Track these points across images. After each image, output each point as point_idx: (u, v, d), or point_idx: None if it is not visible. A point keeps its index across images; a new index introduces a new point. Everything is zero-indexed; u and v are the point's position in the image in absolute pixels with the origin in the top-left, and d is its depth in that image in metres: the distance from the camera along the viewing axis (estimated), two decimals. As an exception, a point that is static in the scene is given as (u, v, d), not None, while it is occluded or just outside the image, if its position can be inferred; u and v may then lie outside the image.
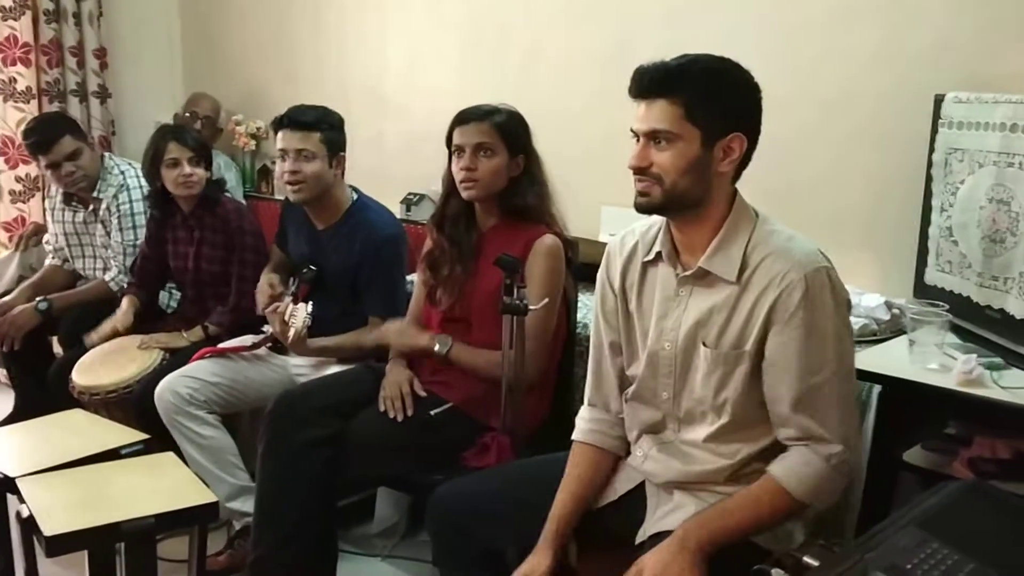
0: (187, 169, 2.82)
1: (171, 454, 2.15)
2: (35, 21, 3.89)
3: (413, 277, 2.60)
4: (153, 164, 2.85)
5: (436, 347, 2.23)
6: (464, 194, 2.22)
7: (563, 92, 2.98)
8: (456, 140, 2.21)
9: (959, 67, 2.13)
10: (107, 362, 2.78)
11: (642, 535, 1.60)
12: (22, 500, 1.85)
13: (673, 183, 1.48)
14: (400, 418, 2.16)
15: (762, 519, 1.47)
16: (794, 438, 1.48)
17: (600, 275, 1.72)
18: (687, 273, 1.55)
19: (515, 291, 1.93)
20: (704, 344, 1.53)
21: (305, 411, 2.21)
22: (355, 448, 2.18)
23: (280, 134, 2.52)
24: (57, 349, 3.31)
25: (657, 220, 1.62)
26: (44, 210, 3.61)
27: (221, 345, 2.69)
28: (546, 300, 2.05)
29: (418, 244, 2.48)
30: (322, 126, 2.50)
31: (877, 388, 1.88)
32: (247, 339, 2.71)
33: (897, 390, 1.82)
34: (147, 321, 2.99)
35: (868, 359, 1.90)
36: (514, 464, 1.99)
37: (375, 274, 2.53)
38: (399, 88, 3.57)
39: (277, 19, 4.01)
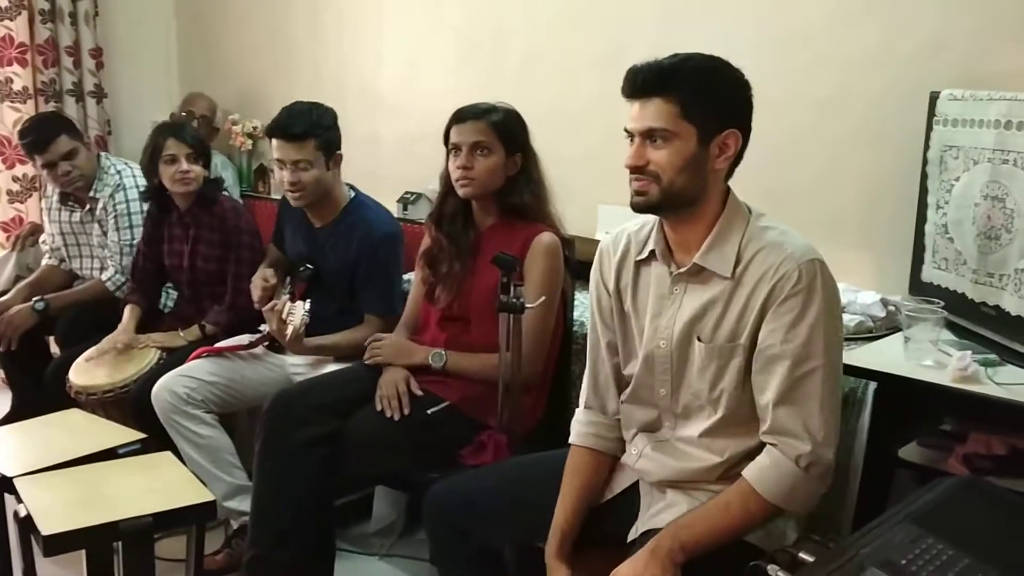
0: (184, 165, 2.82)
1: (168, 453, 2.15)
2: (31, 21, 3.89)
3: (410, 276, 2.60)
4: (151, 160, 2.85)
5: (431, 363, 2.24)
6: (460, 192, 2.22)
7: (561, 93, 2.98)
8: (453, 138, 2.22)
9: (954, 66, 2.13)
10: (104, 362, 2.78)
11: (634, 533, 1.60)
12: (20, 500, 1.85)
13: (670, 181, 1.48)
14: (397, 417, 2.16)
15: (732, 523, 1.46)
16: (768, 432, 1.48)
17: (593, 276, 1.72)
18: (681, 270, 1.56)
19: (512, 289, 1.93)
20: (699, 339, 1.54)
21: (302, 410, 2.21)
22: (352, 447, 2.18)
23: (274, 143, 2.51)
24: (54, 349, 3.31)
25: (649, 219, 1.63)
26: (41, 210, 3.61)
27: (218, 344, 2.69)
28: (543, 298, 2.06)
29: (415, 243, 2.48)
30: (316, 132, 2.48)
31: (873, 385, 1.89)
32: (244, 338, 2.71)
33: (893, 387, 1.82)
34: (144, 321, 2.99)
35: (864, 356, 1.90)
36: (510, 462, 1.99)
37: (372, 272, 2.54)
38: (396, 87, 3.57)
39: (273, 18, 4.01)
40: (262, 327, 2.64)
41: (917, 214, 2.08)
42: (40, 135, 3.10)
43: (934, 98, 2.02)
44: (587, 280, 1.76)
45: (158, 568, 1.87)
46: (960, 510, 1.30)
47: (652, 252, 1.60)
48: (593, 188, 2.79)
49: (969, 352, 1.76)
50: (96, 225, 3.26)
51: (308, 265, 2.59)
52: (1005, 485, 1.59)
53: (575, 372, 2.30)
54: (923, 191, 2.05)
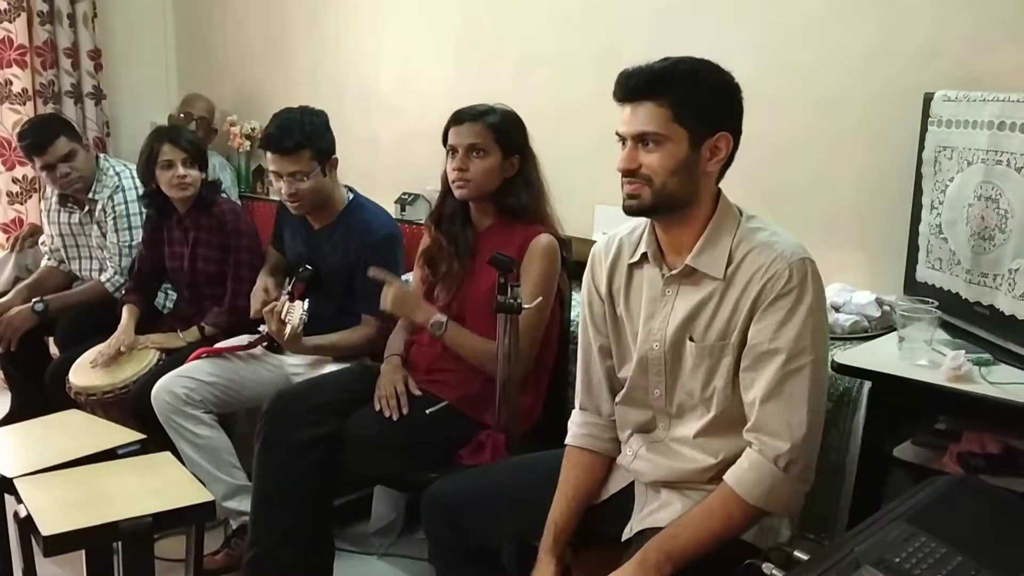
0: (181, 171, 2.83)
1: (168, 454, 2.16)
2: (29, 23, 3.90)
3: (409, 276, 2.61)
4: (148, 166, 2.86)
5: (431, 326, 2.21)
6: (456, 194, 2.23)
7: (557, 95, 2.99)
8: (450, 140, 2.23)
9: (949, 67, 2.14)
10: (104, 363, 2.79)
11: (628, 532, 1.61)
12: (20, 500, 1.86)
13: (663, 184, 1.49)
14: (395, 417, 2.17)
15: (716, 529, 1.46)
16: (751, 429, 1.48)
17: (586, 280, 1.73)
18: (673, 272, 1.57)
19: (509, 290, 1.94)
20: (691, 339, 1.55)
21: (301, 410, 2.22)
22: (351, 447, 2.19)
23: (269, 156, 2.51)
24: (53, 350, 3.32)
25: (641, 222, 1.64)
26: (40, 211, 3.62)
27: (217, 345, 2.70)
28: (539, 299, 2.07)
29: (413, 244, 2.49)
30: (309, 142, 2.47)
31: (867, 384, 1.89)
32: (243, 339, 2.71)
33: (887, 386, 1.83)
34: (143, 322, 3.00)
35: (859, 356, 1.91)
36: (508, 461, 2.00)
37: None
38: (394, 89, 3.57)
39: (271, 19, 4.02)
40: (261, 328, 2.65)
41: (912, 214, 2.09)
42: (39, 137, 3.10)
43: (928, 99, 2.03)
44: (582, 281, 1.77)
45: (158, 568, 1.88)
46: (953, 508, 1.30)
47: (644, 255, 1.61)
48: (590, 189, 2.79)
49: (963, 352, 1.77)
50: (95, 226, 3.26)
51: (307, 266, 2.60)
52: (999, 484, 1.60)
53: (572, 372, 2.30)
54: (918, 191, 2.06)
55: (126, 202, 3.19)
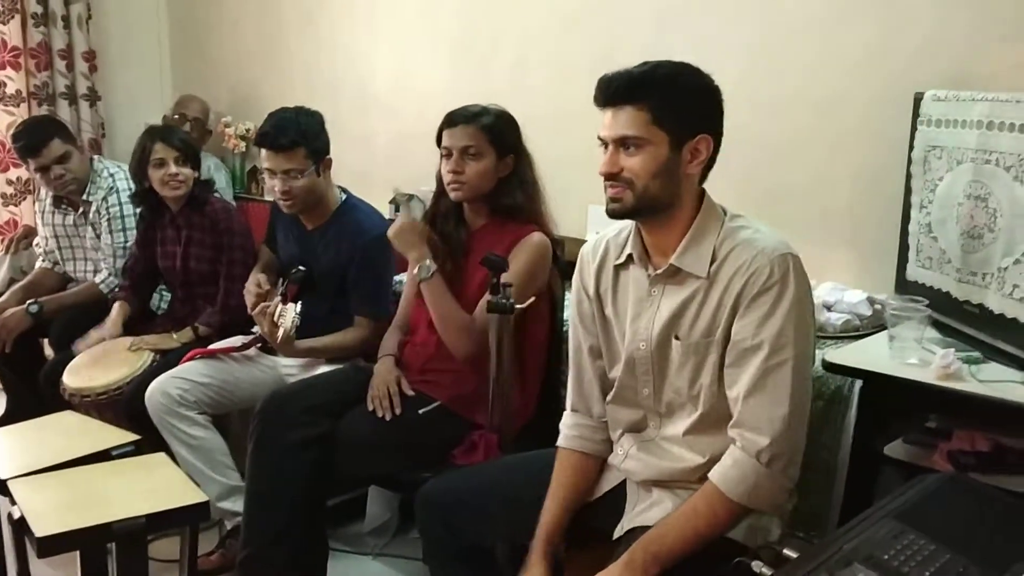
0: (173, 169, 2.83)
1: (162, 454, 2.16)
2: (24, 25, 3.91)
3: (401, 277, 2.62)
4: (140, 165, 2.87)
5: (419, 268, 2.20)
6: (451, 196, 2.24)
7: (552, 96, 2.98)
8: (444, 142, 2.23)
9: (950, 67, 2.14)
10: (98, 364, 2.78)
11: (619, 531, 1.62)
12: (13, 502, 1.86)
13: (644, 187, 1.50)
14: (388, 417, 2.18)
15: (702, 528, 1.46)
16: (734, 424, 1.49)
17: (575, 281, 1.74)
18: (658, 272, 1.58)
19: (501, 290, 1.95)
20: (676, 338, 1.56)
21: (294, 411, 2.22)
22: (344, 447, 2.20)
23: (263, 153, 2.51)
24: (48, 351, 3.31)
25: (627, 224, 1.65)
26: (35, 213, 3.62)
27: (211, 346, 2.70)
28: (532, 299, 2.07)
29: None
30: (304, 140, 2.47)
31: (858, 383, 1.90)
32: (237, 340, 2.72)
33: (878, 385, 1.83)
34: (137, 322, 3.00)
35: (849, 354, 1.92)
36: (501, 460, 2.01)
37: (362, 274, 2.55)
38: (389, 89, 3.58)
39: (266, 20, 4.02)
40: (255, 328, 2.65)
41: (902, 213, 2.10)
42: (33, 139, 3.11)
43: (918, 99, 2.04)
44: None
45: (152, 569, 1.89)
46: (943, 506, 1.31)
47: (630, 256, 1.62)
48: (585, 189, 2.78)
49: (952, 350, 1.78)
50: (89, 228, 3.27)
51: (300, 267, 2.60)
52: (988, 481, 1.60)
53: (564, 371, 2.31)
54: (907, 191, 2.07)
55: (120, 203, 3.19)
